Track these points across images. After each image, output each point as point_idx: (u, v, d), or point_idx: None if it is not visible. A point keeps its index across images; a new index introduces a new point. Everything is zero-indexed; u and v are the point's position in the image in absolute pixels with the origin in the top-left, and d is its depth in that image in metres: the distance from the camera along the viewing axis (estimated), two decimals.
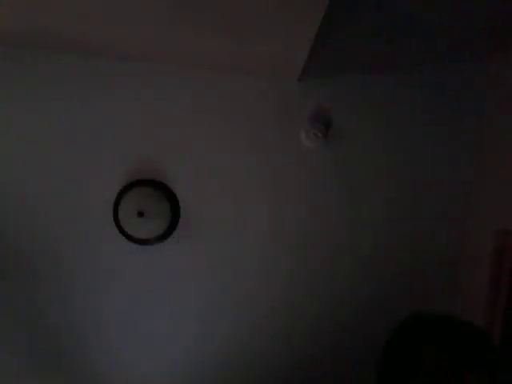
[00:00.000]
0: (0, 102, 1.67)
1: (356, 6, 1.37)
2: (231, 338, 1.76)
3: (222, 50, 1.52)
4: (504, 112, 1.63)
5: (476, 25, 1.49)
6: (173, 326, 1.76)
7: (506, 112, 1.61)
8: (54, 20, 1.40)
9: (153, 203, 1.66)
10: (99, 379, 1.75)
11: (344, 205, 1.75)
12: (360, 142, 1.74)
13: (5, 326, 1.71)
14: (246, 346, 1.77)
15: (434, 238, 1.74)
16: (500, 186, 1.59)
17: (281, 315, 1.76)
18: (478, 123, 1.72)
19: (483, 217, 1.66)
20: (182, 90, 1.70)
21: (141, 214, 1.64)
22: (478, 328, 0.78)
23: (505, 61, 1.64)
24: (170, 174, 1.71)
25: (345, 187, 1.75)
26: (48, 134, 1.69)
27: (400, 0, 1.37)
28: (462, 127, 1.73)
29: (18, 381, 1.74)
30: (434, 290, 1.73)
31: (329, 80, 1.72)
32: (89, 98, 1.69)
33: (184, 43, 1.50)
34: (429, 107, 1.73)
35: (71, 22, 1.41)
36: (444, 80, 1.72)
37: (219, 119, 1.72)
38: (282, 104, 1.72)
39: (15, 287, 1.71)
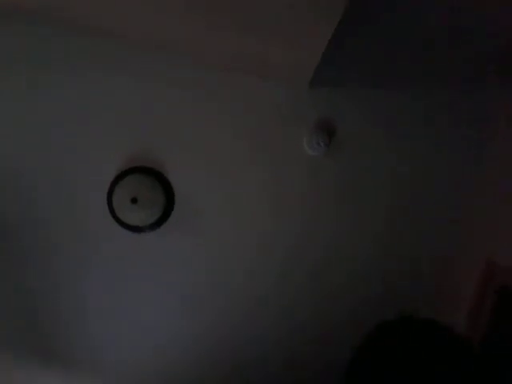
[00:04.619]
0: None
1: (373, 19, 1.35)
2: (218, 327, 1.76)
3: (236, 49, 1.52)
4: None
5: (488, 43, 1.49)
6: (159, 315, 1.76)
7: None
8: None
9: (148, 191, 1.67)
10: (84, 365, 1.76)
11: (342, 215, 1.75)
12: (362, 155, 1.74)
13: None
14: (233, 334, 1.76)
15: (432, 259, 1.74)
16: (490, 217, 1.65)
17: (271, 308, 1.76)
18: (480, 151, 1.73)
19: (471, 245, 1.70)
20: (183, 82, 1.70)
21: (134, 201, 1.64)
22: (458, 335, 0.74)
23: None
24: (168, 165, 1.72)
25: (344, 198, 1.75)
26: (48, 115, 1.69)
27: (416, 18, 1.37)
28: (462, 152, 1.74)
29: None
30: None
31: (339, 90, 1.72)
32: (89, 82, 1.69)
33: (196, 40, 1.49)
34: (434, 130, 1.74)
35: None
36: (456, 104, 1.72)
37: (219, 116, 1.72)
38: (289, 109, 1.72)
39: (2, 272, 1.71)
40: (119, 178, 1.68)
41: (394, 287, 1.71)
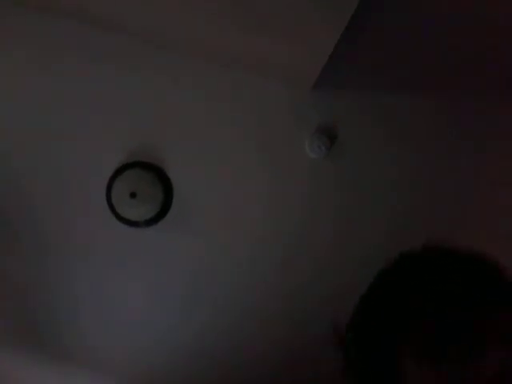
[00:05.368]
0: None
1: (380, 26, 1.36)
2: (218, 326, 1.75)
3: (237, 48, 1.52)
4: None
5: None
6: (159, 313, 1.74)
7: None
8: None
9: (147, 187, 1.66)
10: (82, 364, 1.74)
11: (342, 215, 1.74)
12: (363, 160, 1.75)
13: None
14: (232, 333, 1.75)
15: None
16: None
17: (270, 307, 1.74)
18: (480, 150, 1.74)
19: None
20: (183, 82, 1.70)
21: (133, 195, 1.63)
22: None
23: None
24: (169, 163, 1.71)
25: (345, 199, 1.74)
26: (48, 114, 1.69)
27: (417, 25, 1.38)
28: (462, 152, 1.74)
29: None
30: None
31: (343, 93, 1.72)
32: (89, 81, 1.68)
33: (196, 40, 1.49)
34: (435, 140, 1.75)
35: None
36: (457, 111, 1.73)
37: (219, 116, 1.72)
38: (290, 109, 1.72)
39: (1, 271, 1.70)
40: (119, 171, 1.68)
41: None
